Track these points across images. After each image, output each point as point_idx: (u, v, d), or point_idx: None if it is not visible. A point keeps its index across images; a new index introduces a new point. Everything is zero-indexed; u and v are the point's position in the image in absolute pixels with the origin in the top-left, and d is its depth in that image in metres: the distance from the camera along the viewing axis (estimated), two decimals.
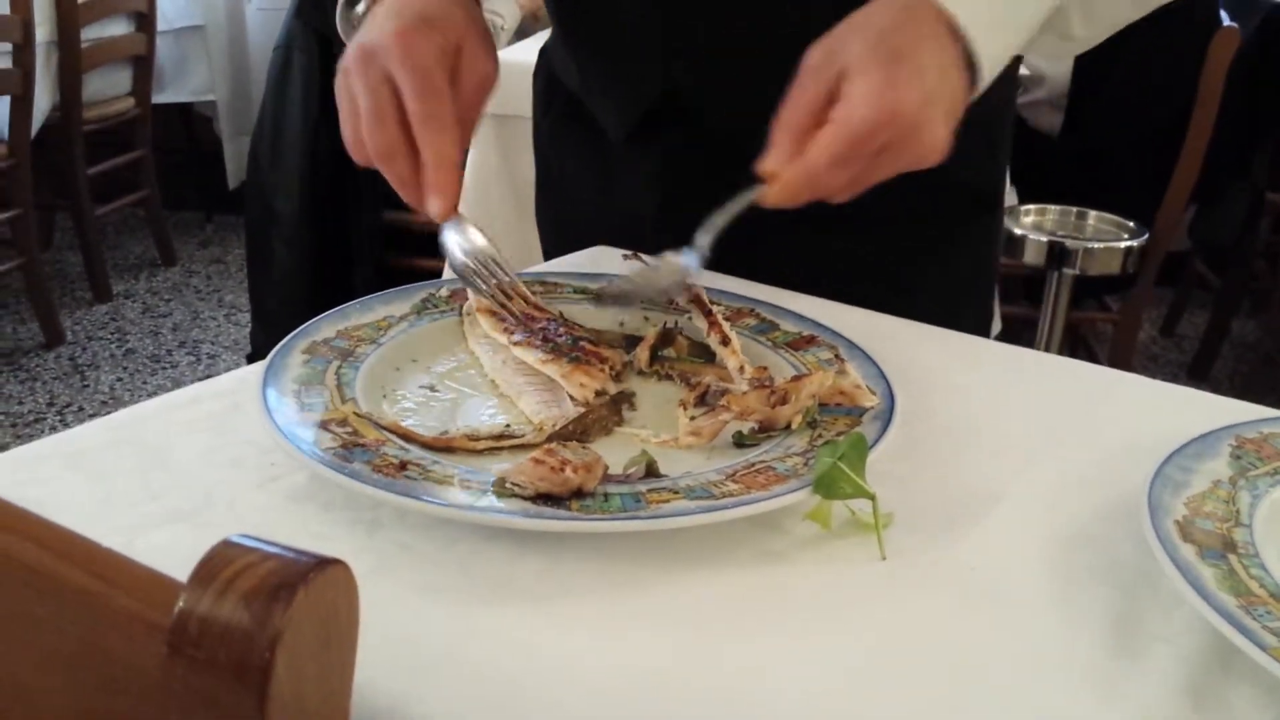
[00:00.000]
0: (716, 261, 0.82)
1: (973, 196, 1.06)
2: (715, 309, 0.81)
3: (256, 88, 3.75)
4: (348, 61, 0.79)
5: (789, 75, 0.73)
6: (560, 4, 1.06)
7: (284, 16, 2.80)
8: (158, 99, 3.82)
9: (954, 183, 1.02)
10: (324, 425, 0.66)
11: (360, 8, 0.86)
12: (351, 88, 0.78)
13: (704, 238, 0.77)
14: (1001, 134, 1.08)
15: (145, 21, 3.59)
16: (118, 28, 3.53)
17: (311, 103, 2.68)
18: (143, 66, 3.64)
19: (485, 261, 0.82)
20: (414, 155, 0.77)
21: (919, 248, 1.04)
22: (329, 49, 2.69)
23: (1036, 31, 0.81)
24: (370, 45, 0.77)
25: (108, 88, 3.56)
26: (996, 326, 1.41)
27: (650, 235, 0.91)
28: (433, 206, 0.77)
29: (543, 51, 1.17)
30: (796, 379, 0.70)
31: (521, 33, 2.76)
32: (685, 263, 0.79)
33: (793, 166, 0.71)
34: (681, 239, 0.79)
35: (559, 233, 1.14)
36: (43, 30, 3.13)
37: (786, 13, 0.88)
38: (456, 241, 0.83)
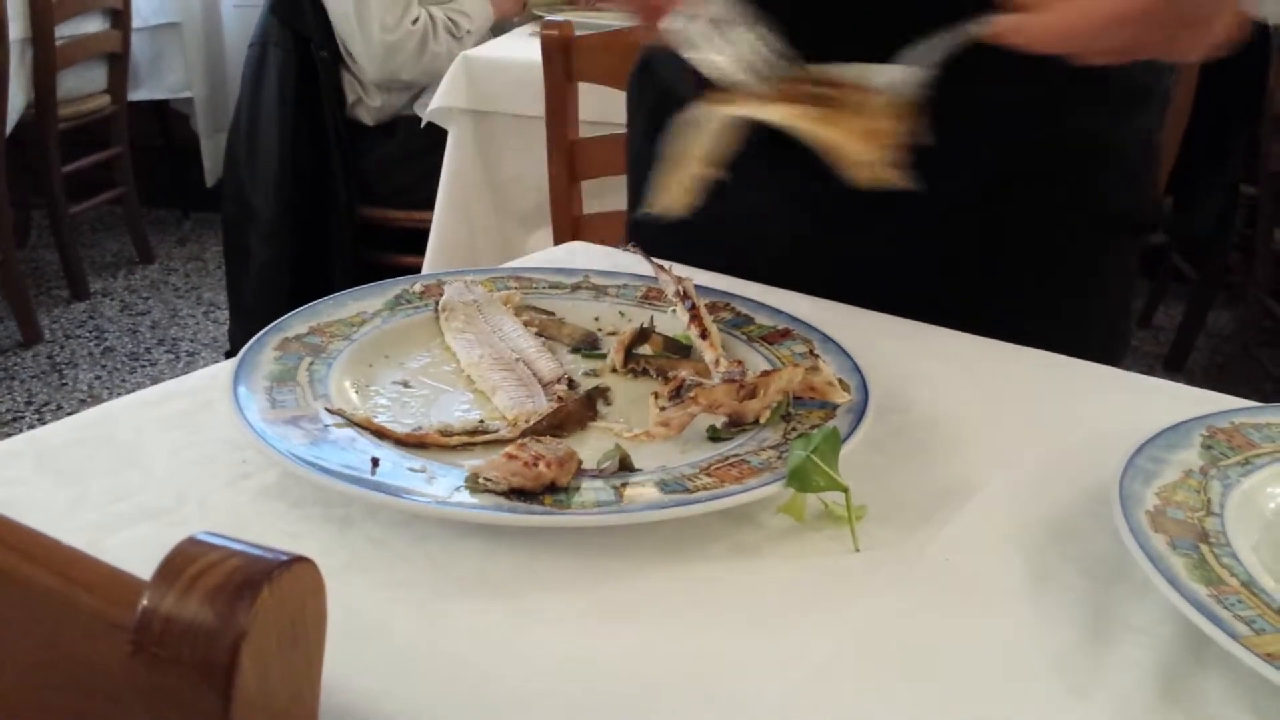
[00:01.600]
0: (851, 296, 0.82)
1: (1128, 223, 1.00)
2: (698, 302, 0.81)
3: (233, 84, 3.72)
4: None
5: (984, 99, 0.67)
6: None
7: (259, 13, 2.78)
8: (133, 96, 3.79)
9: (1110, 211, 0.98)
10: (295, 421, 0.66)
11: None
12: None
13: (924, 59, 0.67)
14: (1155, 154, 1.03)
15: (120, 18, 3.56)
16: (92, 25, 3.50)
17: (288, 99, 2.67)
18: (118, 64, 3.61)
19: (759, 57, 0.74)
20: None
21: (1062, 280, 0.98)
22: (305, 45, 2.68)
23: None
24: None
25: (83, 85, 3.53)
26: None
27: (775, 253, 0.87)
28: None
29: (644, 68, 1.08)
30: (766, 374, 0.70)
31: (499, 29, 2.76)
32: (905, 73, 0.68)
33: (1062, 7, 0.60)
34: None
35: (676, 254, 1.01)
36: (16, 27, 3.10)
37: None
38: (710, 43, 0.74)
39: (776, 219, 0.98)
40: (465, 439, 0.68)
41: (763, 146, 0.93)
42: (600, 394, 0.75)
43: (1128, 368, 0.86)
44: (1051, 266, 0.98)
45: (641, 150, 1.08)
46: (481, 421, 0.70)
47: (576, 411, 0.71)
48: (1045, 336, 0.88)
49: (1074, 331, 0.92)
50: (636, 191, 1.12)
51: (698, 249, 0.96)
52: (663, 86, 1.05)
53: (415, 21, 2.64)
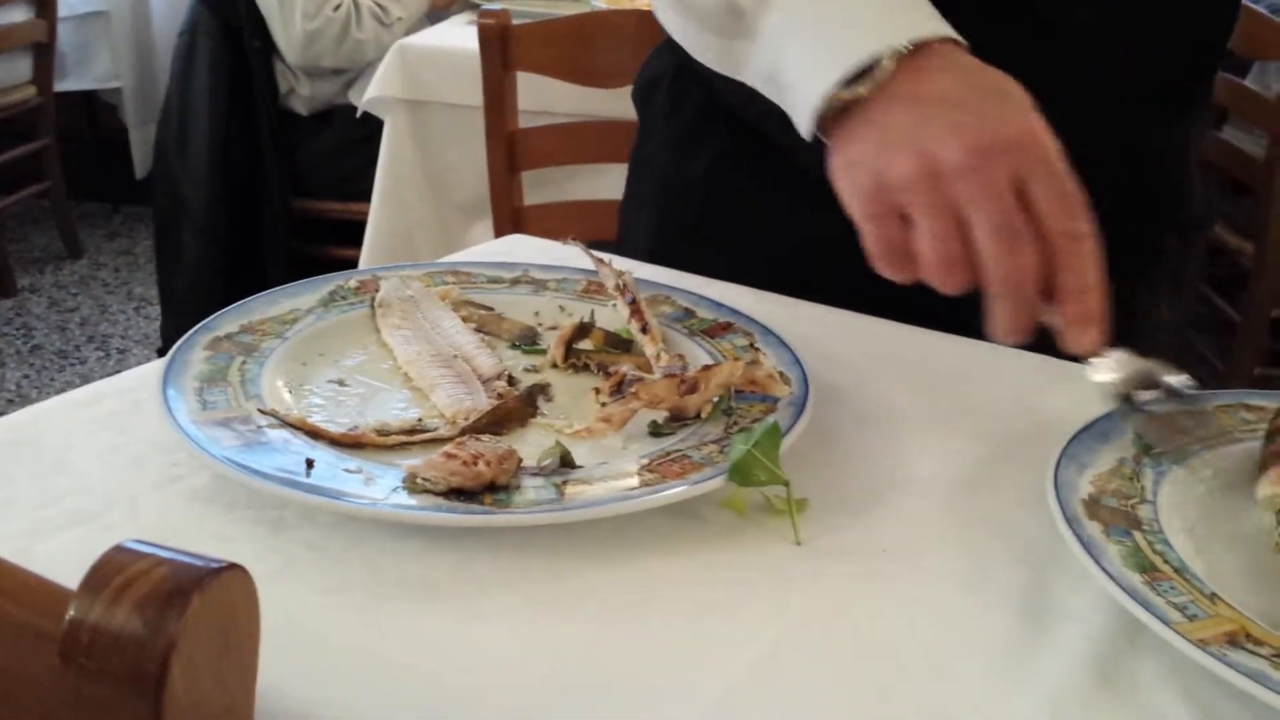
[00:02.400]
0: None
1: (1174, 226, 1.01)
2: (638, 296, 0.81)
3: (162, 75, 3.65)
4: (941, 158, 0.63)
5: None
6: None
7: (188, 1, 2.73)
8: (60, 87, 3.70)
9: (1158, 215, 0.99)
10: (226, 423, 0.64)
11: (865, 87, 0.67)
12: (950, 196, 0.62)
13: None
14: (1195, 156, 1.01)
15: (46, 7, 3.48)
16: (16, 14, 3.41)
17: (219, 89, 2.63)
18: (44, 53, 3.53)
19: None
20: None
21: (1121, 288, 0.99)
22: (236, 35, 2.64)
23: None
24: (980, 137, 0.63)
25: (7, 76, 3.45)
26: None
27: (842, 281, 0.82)
28: (1088, 339, 0.65)
29: (680, 72, 1.03)
30: (707, 368, 0.70)
31: (435, 16, 2.74)
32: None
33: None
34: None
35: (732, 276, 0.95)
36: None
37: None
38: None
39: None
40: (403, 438, 0.67)
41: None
42: (541, 390, 0.74)
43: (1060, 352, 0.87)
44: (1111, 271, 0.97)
45: (669, 164, 1.03)
46: (420, 420, 0.70)
47: (517, 409, 0.71)
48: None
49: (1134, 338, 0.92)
50: (650, 202, 1.07)
51: (758, 270, 0.93)
52: (707, 98, 1.00)
53: (338, 9, 2.61)
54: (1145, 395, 0.68)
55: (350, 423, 0.69)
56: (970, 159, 0.62)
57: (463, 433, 0.67)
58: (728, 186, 1.02)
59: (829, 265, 0.90)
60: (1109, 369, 0.68)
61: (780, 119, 0.91)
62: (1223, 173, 2.82)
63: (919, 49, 0.66)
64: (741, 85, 0.93)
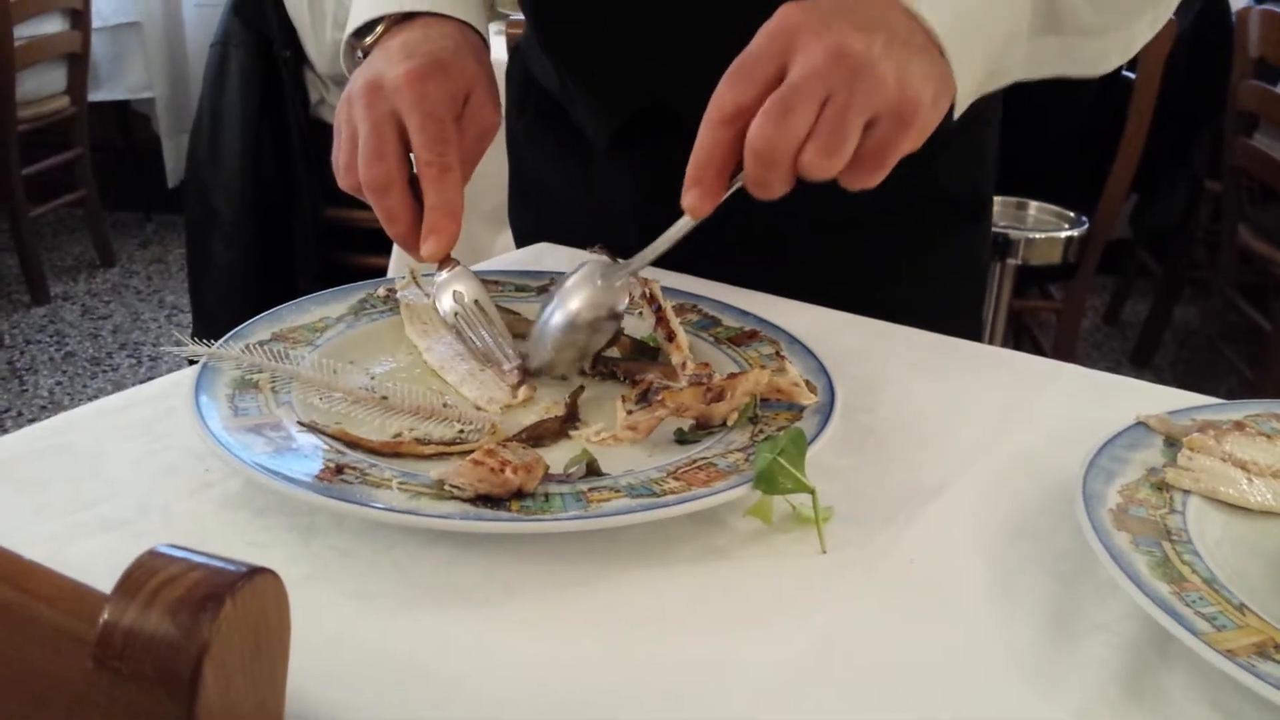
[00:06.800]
0: (688, 266, 0.83)
1: (957, 205, 1.03)
2: (665, 304, 0.81)
3: (195, 85, 3.70)
4: (353, 91, 0.80)
5: None
6: (538, 9, 1.03)
7: (221, 12, 2.76)
8: (94, 97, 3.75)
9: (938, 192, 1.01)
10: (258, 429, 0.65)
11: (370, 38, 0.86)
12: (354, 118, 0.79)
13: (637, 267, 0.76)
14: (985, 139, 1.05)
15: (80, 19, 3.53)
16: (51, 25, 3.46)
17: (250, 100, 2.65)
18: (78, 64, 3.58)
19: (475, 314, 0.81)
20: (407, 193, 0.78)
21: (900, 260, 1.01)
22: (267, 46, 2.66)
23: (1025, 34, 0.76)
24: (379, 80, 0.79)
25: (42, 86, 3.50)
26: None
27: (632, 240, 0.86)
28: (428, 248, 0.78)
29: (516, 50, 1.15)
30: (733, 376, 0.70)
31: None
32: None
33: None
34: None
35: (537, 235, 1.10)
36: None
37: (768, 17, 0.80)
38: (448, 287, 0.81)
39: (626, 200, 1.03)
40: (441, 448, 0.67)
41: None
42: (576, 395, 0.74)
43: (1096, 362, 0.87)
44: (892, 240, 1.01)
45: (514, 126, 1.16)
46: (461, 432, 0.70)
47: (556, 425, 0.71)
48: (885, 307, 0.91)
49: (916, 308, 0.94)
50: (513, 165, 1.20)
51: (569, 233, 1.04)
52: (524, 71, 1.12)
53: None
54: None
55: (379, 429, 0.69)
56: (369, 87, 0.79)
57: (503, 444, 0.67)
58: (536, 150, 1.13)
59: (626, 230, 0.94)
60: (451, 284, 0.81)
61: (567, 93, 1.04)
62: (1253, 179, 2.80)
63: None
64: (544, 60, 1.05)
